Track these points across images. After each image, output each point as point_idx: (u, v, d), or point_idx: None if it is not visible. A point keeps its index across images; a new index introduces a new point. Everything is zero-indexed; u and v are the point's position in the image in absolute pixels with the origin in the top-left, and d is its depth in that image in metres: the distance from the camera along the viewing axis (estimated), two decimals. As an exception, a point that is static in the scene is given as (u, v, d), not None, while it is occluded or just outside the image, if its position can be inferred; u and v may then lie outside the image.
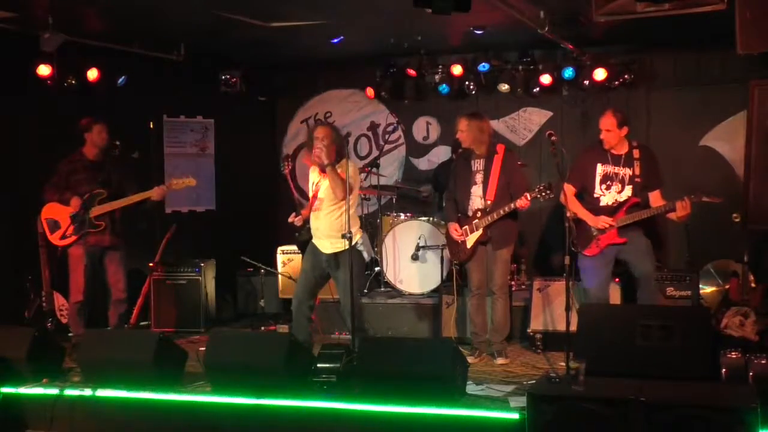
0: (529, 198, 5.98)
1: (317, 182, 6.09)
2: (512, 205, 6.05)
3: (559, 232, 5.78)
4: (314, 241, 6.08)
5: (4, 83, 7.18)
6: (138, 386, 5.29)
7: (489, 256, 6.27)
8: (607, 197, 5.99)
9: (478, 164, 6.28)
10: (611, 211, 5.95)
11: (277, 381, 5.13)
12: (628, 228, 5.91)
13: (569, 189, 5.99)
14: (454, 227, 6.31)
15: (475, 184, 6.27)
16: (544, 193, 5.97)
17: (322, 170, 5.94)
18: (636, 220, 5.88)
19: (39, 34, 6.66)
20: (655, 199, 5.98)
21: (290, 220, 6.21)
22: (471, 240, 6.24)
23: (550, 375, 4.99)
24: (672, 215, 5.84)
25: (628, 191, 5.94)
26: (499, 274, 6.27)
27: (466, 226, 6.25)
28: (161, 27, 7.28)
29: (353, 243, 5.80)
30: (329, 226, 5.96)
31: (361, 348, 5.37)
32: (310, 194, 6.16)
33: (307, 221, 6.13)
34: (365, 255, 5.99)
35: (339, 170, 5.86)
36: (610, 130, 5.91)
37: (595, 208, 6.00)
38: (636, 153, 5.96)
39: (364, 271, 5.97)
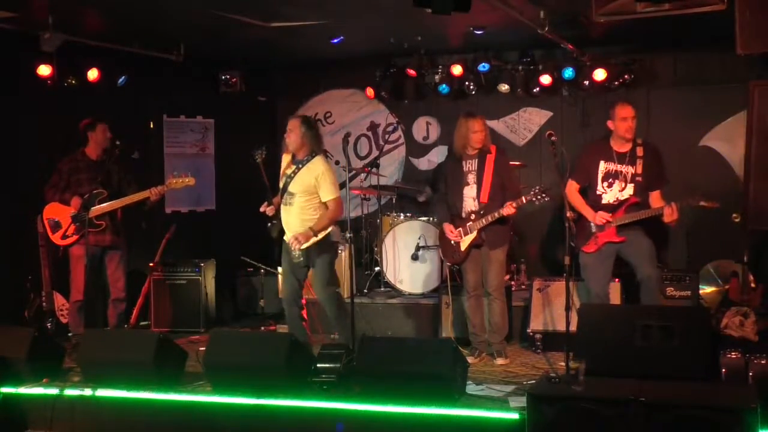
0: (514, 206, 5.95)
1: (289, 173, 5.98)
2: (501, 212, 6.00)
3: (560, 231, 5.78)
4: (285, 238, 5.99)
5: (4, 83, 7.18)
6: (138, 386, 5.29)
7: (483, 256, 6.23)
8: (609, 195, 5.98)
9: (469, 165, 6.22)
10: (612, 209, 5.95)
11: (277, 381, 5.14)
12: (627, 227, 5.91)
13: (572, 185, 5.99)
14: (449, 228, 6.27)
15: (467, 184, 6.22)
16: (539, 197, 5.91)
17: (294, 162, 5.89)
18: (633, 220, 5.88)
19: (39, 34, 6.65)
20: (655, 199, 5.97)
21: (262, 209, 6.16)
22: (465, 242, 6.20)
23: (549, 375, 4.99)
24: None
25: (629, 190, 5.93)
26: (494, 275, 6.23)
27: (460, 228, 6.21)
28: (161, 27, 7.27)
29: (326, 236, 5.82)
30: (300, 221, 5.89)
31: (361, 348, 5.36)
32: (281, 183, 6.07)
33: (278, 212, 6.05)
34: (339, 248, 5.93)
35: (309, 165, 5.83)
36: (634, 117, 5.87)
37: (597, 205, 5.99)
38: (639, 151, 5.94)
39: (334, 264, 5.98)
